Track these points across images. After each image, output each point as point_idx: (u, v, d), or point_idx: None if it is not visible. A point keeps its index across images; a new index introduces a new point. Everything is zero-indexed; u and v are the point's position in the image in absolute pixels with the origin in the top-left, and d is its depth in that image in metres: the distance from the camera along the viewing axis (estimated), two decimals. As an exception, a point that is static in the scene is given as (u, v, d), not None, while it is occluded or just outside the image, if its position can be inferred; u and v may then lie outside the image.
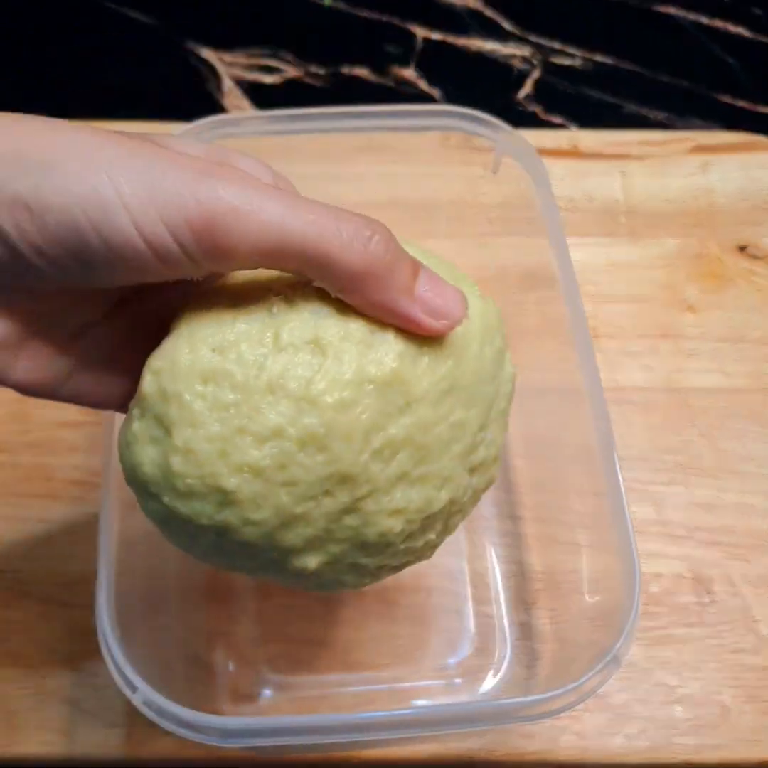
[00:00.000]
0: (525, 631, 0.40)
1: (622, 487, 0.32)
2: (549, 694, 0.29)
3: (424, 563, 0.31)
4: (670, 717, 0.38)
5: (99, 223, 0.22)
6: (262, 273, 0.27)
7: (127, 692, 0.29)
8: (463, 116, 0.41)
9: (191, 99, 0.62)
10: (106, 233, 0.22)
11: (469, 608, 0.40)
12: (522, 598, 0.40)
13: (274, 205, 0.23)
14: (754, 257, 0.50)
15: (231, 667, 0.39)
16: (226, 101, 0.62)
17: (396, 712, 0.31)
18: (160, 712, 0.28)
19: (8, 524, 0.41)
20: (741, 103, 0.64)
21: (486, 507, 0.42)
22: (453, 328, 0.26)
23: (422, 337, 0.26)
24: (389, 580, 0.31)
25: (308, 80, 0.64)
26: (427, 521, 0.28)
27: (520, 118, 0.63)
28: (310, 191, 0.50)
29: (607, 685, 0.38)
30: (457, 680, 0.39)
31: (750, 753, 0.37)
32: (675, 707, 0.38)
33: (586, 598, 0.36)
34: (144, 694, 0.29)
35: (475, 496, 0.30)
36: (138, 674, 0.29)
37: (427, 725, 0.29)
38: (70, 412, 0.44)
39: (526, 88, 0.64)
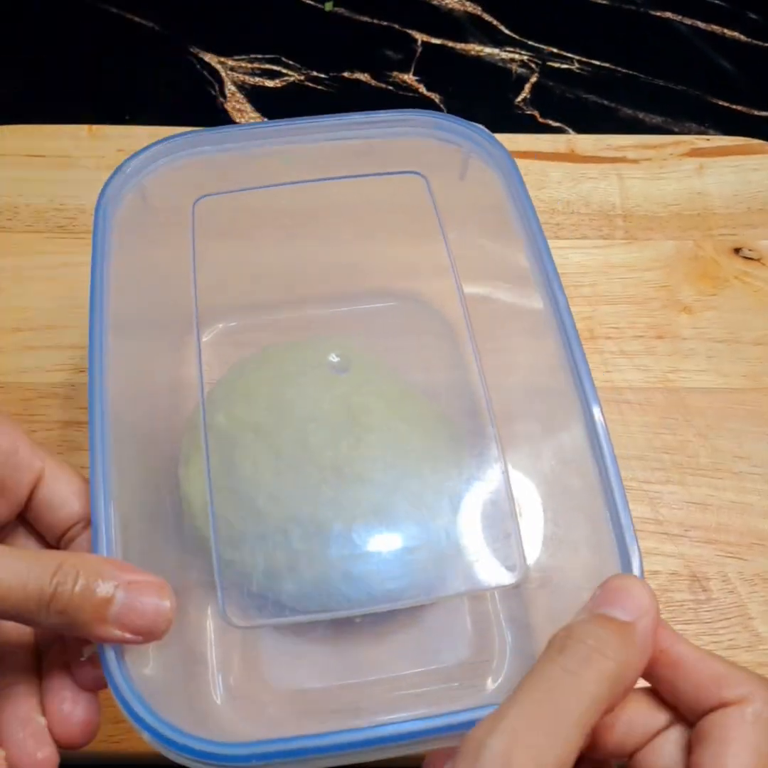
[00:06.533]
0: (522, 630, 0.40)
1: (617, 485, 0.33)
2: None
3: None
4: (666, 712, 0.38)
5: None
6: None
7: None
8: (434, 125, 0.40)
9: (194, 103, 0.63)
10: None
11: (465, 605, 0.40)
12: (519, 596, 0.41)
13: None
14: (749, 259, 0.51)
15: (224, 657, 0.39)
16: (229, 105, 0.63)
17: (393, 728, 0.29)
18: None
19: (14, 522, 0.42)
20: (736, 107, 0.64)
21: (484, 505, 0.42)
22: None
23: None
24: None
25: (309, 85, 0.64)
26: None
27: (518, 122, 0.63)
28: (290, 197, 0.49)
29: (604, 681, 0.39)
30: (456, 683, 0.38)
31: (745, 748, 0.38)
32: (671, 702, 0.39)
33: (584, 595, 0.36)
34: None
35: None
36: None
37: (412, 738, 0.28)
38: (77, 411, 0.45)
39: (524, 92, 0.65)
